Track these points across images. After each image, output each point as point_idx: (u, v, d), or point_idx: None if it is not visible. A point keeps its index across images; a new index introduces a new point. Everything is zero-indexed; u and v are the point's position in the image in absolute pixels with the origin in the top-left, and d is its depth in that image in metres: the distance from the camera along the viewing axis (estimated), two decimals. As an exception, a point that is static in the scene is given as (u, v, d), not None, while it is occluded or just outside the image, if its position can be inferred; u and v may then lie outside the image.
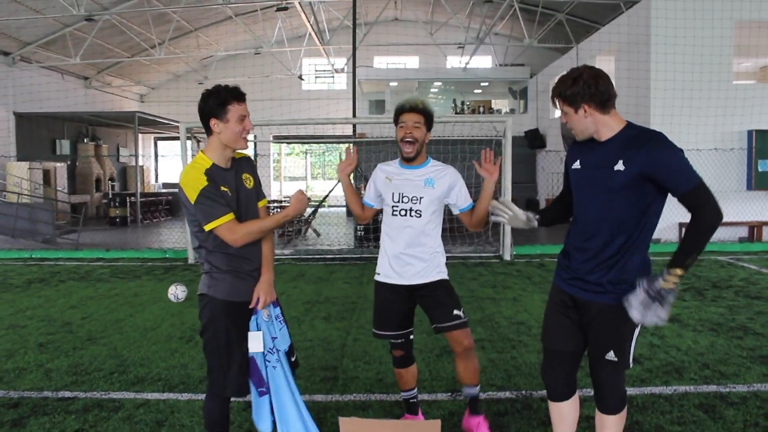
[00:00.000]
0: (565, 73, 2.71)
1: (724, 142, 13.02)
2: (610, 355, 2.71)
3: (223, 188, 2.84)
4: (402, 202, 3.45)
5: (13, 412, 4.05)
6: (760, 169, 13.14)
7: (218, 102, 2.81)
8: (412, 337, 3.60)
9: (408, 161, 3.47)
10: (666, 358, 5.03)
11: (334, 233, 15.53)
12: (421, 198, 3.42)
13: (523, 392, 4.32)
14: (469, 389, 3.56)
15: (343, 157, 3.59)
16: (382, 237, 3.55)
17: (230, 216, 2.80)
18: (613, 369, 2.73)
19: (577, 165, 2.80)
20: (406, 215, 3.43)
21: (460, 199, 3.49)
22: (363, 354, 5.29)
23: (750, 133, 13.07)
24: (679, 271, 2.50)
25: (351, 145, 3.59)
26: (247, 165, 3.07)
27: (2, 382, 4.70)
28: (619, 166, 2.58)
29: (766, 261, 10.49)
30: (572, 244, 2.83)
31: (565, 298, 2.85)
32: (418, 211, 3.41)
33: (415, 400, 3.73)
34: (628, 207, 2.62)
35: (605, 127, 2.67)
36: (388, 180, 3.51)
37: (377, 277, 3.56)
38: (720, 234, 12.70)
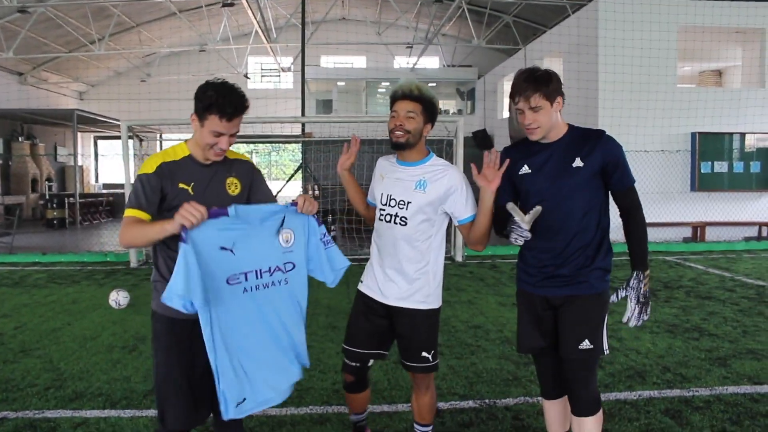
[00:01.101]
0: (524, 73, 2.69)
1: (670, 144, 13.27)
2: (585, 344, 2.71)
3: (181, 185, 2.52)
4: (389, 205, 2.95)
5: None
6: (702, 171, 13.44)
7: (201, 105, 2.48)
8: (371, 363, 3.14)
9: (403, 157, 2.98)
10: (626, 361, 4.96)
11: (282, 235, 15.16)
12: (408, 203, 2.90)
13: (487, 401, 4.17)
14: (420, 427, 3.18)
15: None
16: (372, 243, 3.13)
17: (137, 213, 2.45)
18: (589, 358, 2.72)
19: (525, 170, 2.79)
20: (391, 221, 2.94)
21: (458, 208, 2.91)
22: (317, 362, 5.05)
23: (693, 135, 13.35)
24: (648, 271, 2.74)
25: (354, 135, 3.15)
26: (241, 169, 2.69)
27: (-77, 400, 4.31)
28: (578, 162, 2.68)
29: (712, 261, 10.68)
30: (535, 247, 2.79)
31: (535, 300, 2.84)
32: (403, 218, 2.91)
33: (364, 423, 3.39)
34: (588, 201, 2.70)
35: (557, 125, 2.74)
36: (381, 177, 3.04)
37: (360, 286, 3.13)
38: (665, 234, 12.92)
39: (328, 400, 4.22)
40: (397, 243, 2.94)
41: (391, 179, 2.99)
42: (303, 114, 14.39)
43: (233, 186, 2.65)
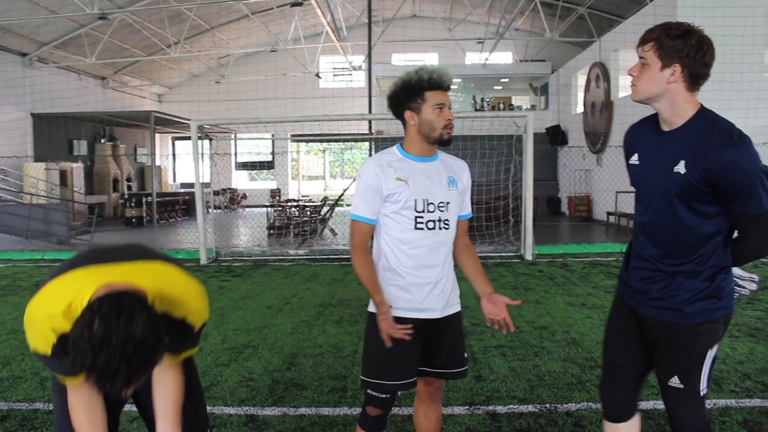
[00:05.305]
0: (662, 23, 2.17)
1: (756, 136, 12.44)
2: (674, 382, 2.28)
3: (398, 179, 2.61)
4: (428, 211, 2.51)
5: (1, 426, 3.80)
6: (792, 164, 12.65)
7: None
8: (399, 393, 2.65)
9: (422, 151, 2.57)
10: (702, 367, 4.64)
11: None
12: (447, 203, 2.56)
13: (547, 405, 3.97)
14: None
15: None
16: (389, 257, 2.56)
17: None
18: (680, 396, 2.29)
19: (635, 159, 2.35)
20: (435, 227, 2.53)
21: (466, 204, 2.70)
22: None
23: (783, 126, 12.57)
24: None
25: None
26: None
27: (-5, 391, 4.46)
28: (680, 167, 2.14)
29: (802, 260, 10.00)
30: (640, 254, 2.41)
31: (625, 310, 2.47)
32: (446, 222, 2.56)
33: None
34: (695, 216, 2.23)
35: (678, 105, 2.18)
36: (402, 181, 2.51)
37: (395, 312, 2.51)
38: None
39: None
40: (440, 249, 2.56)
41: (417, 179, 2.53)
42: (370, 112, 14.35)
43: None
